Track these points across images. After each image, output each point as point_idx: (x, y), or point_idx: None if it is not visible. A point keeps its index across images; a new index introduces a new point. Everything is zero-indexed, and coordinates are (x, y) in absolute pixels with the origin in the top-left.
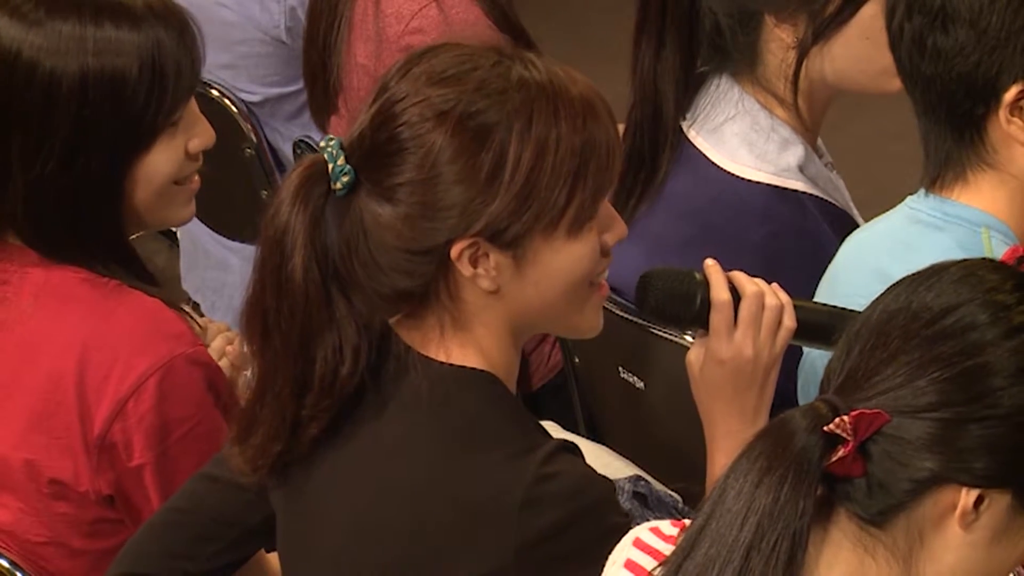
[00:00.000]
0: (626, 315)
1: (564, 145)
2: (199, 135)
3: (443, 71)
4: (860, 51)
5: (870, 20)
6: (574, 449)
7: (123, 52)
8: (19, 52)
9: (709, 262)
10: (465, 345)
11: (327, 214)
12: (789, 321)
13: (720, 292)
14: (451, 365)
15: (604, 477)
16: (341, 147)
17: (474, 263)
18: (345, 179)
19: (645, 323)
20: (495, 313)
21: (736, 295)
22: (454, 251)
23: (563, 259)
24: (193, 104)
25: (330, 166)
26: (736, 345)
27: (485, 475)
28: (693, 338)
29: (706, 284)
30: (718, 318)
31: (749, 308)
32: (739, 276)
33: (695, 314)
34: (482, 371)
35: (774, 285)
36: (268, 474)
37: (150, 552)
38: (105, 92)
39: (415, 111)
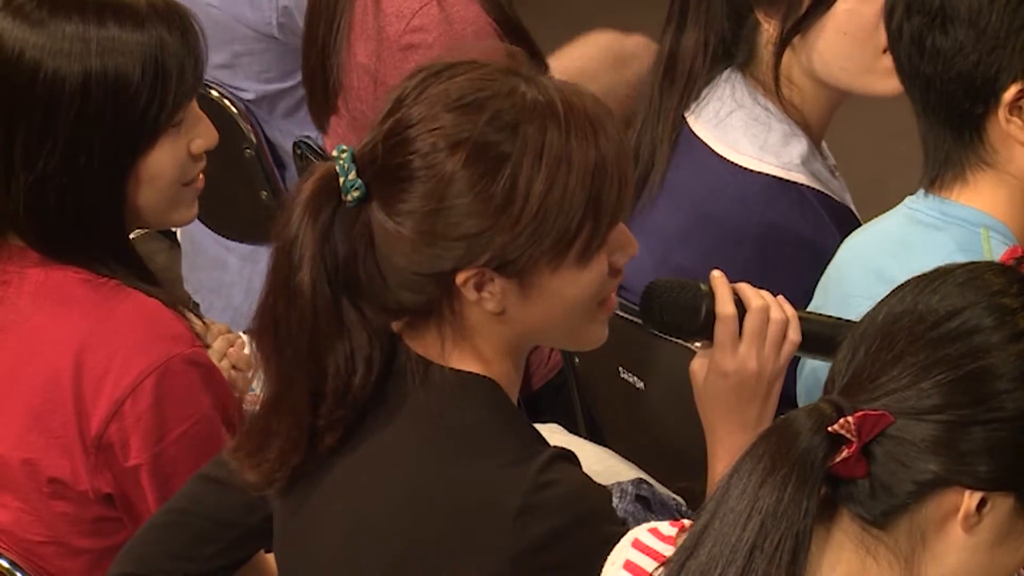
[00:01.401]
0: (627, 315)
1: (575, 177)
2: (202, 135)
3: (459, 97)
4: (838, 47)
5: (846, 16)
6: (572, 457)
7: (126, 52)
8: (22, 52)
9: (715, 274)
10: (466, 355)
11: (337, 223)
12: (794, 335)
13: (725, 305)
14: (452, 371)
15: (601, 486)
16: (353, 159)
17: (479, 288)
18: (356, 193)
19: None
20: (498, 330)
21: (741, 308)
22: (459, 279)
23: (570, 286)
24: (195, 105)
25: (341, 179)
26: (740, 358)
27: (482, 482)
28: (698, 346)
29: (711, 296)
30: (723, 331)
31: (754, 322)
32: (745, 288)
33: (700, 326)
34: (483, 377)
35: (780, 298)
36: (275, 492)
37: (150, 553)
38: (108, 92)
39: (428, 139)
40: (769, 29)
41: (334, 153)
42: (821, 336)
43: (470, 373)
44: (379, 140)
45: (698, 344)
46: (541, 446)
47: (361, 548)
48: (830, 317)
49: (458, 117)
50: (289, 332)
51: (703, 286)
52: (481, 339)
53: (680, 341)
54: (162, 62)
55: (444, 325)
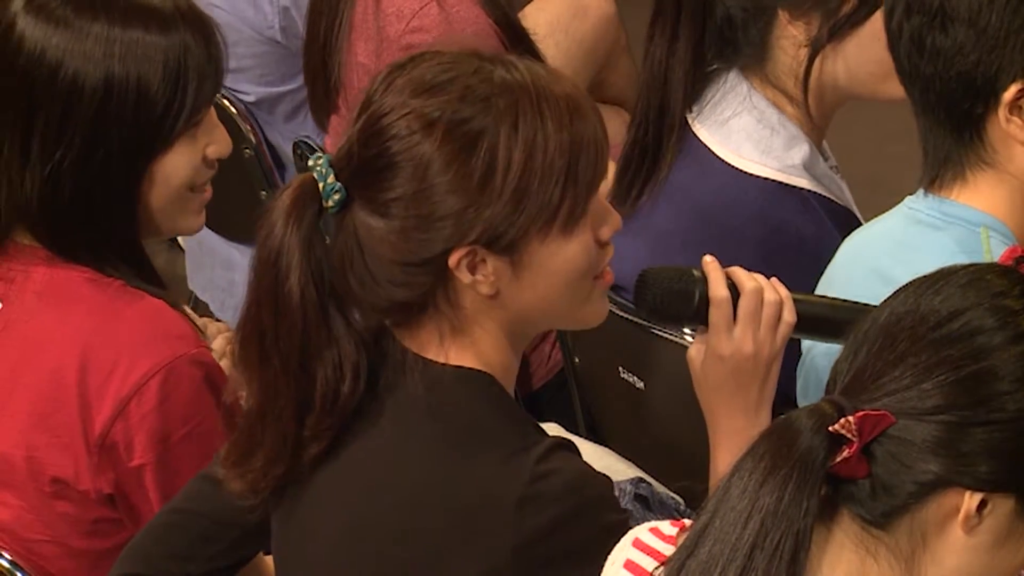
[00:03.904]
0: (626, 314)
1: (552, 144)
2: (217, 142)
3: (426, 81)
4: (872, 53)
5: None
6: (571, 446)
7: (149, 56)
8: (43, 51)
9: (707, 258)
10: (463, 348)
11: (320, 231)
12: (789, 316)
13: (718, 289)
14: (448, 366)
15: (602, 474)
16: (330, 164)
17: (472, 270)
18: (336, 197)
19: (645, 323)
20: (495, 316)
21: (735, 291)
22: (452, 260)
23: (559, 258)
24: (212, 112)
25: (320, 185)
26: (736, 341)
27: (481, 476)
28: (694, 332)
29: (704, 281)
30: (717, 315)
31: (748, 304)
32: (738, 272)
33: (694, 311)
34: (479, 371)
35: (773, 280)
36: (269, 495)
37: (151, 553)
38: (128, 94)
39: (402, 124)
40: (796, 33)
41: (310, 163)
42: (817, 316)
43: (467, 368)
44: (354, 139)
45: (694, 330)
46: (539, 436)
47: (359, 545)
48: (824, 297)
49: (428, 99)
50: (276, 342)
51: (696, 272)
52: (480, 330)
53: (674, 334)
54: (184, 66)
55: (441, 319)
